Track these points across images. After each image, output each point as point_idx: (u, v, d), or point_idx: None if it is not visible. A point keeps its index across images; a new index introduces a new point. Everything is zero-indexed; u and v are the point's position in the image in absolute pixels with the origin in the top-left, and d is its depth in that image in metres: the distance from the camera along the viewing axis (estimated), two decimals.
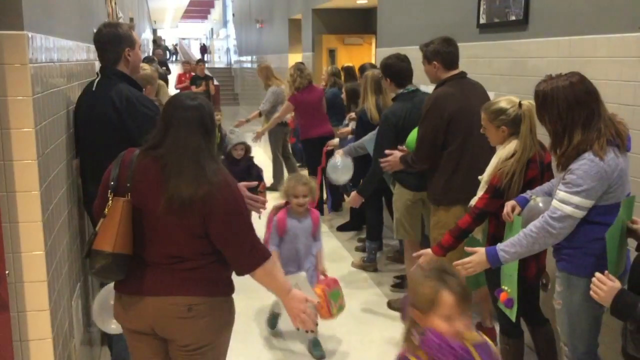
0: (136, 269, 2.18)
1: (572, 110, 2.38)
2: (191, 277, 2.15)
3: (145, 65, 3.72)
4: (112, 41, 2.99)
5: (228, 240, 2.13)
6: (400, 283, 4.68)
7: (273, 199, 4.34)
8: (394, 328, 4.12)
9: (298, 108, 6.58)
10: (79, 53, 3.41)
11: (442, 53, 3.58)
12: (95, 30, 3.12)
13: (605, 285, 2.12)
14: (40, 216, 2.22)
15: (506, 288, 2.95)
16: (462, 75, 3.65)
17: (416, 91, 4.13)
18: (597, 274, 2.16)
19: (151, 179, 2.13)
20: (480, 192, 2.97)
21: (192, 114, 2.15)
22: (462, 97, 3.50)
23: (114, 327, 2.47)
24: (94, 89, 2.96)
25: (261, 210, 2.75)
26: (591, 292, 2.16)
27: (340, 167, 4.79)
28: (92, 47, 3.91)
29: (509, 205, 2.78)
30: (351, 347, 3.90)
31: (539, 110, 2.49)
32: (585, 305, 2.42)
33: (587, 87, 2.41)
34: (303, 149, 7.10)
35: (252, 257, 2.17)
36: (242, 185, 2.79)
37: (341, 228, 6.33)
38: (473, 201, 3.00)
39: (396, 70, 4.10)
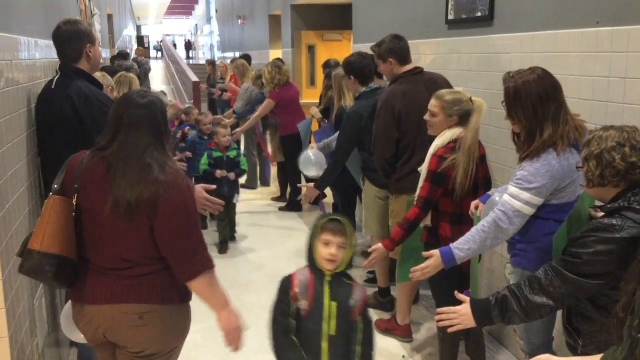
0: (86, 277, 2.14)
1: (544, 104, 2.38)
2: (142, 284, 2.09)
3: (97, 74, 3.70)
4: (73, 38, 2.97)
5: (171, 242, 2.06)
6: (373, 278, 4.70)
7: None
8: None
9: (278, 105, 6.58)
10: (43, 51, 3.38)
11: (396, 50, 3.72)
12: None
13: (455, 314, 2.17)
14: None
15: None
16: (417, 71, 3.74)
17: (378, 89, 4.20)
18: (438, 310, 2.23)
19: (98, 180, 2.08)
20: (421, 182, 3.03)
21: (142, 113, 2.11)
22: (412, 93, 3.62)
23: (81, 337, 2.43)
24: (53, 87, 2.94)
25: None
26: (450, 329, 2.19)
27: (313, 160, 4.76)
28: None
29: (473, 204, 2.86)
30: None
31: (512, 107, 2.43)
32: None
33: (553, 80, 2.42)
34: (282, 144, 7.09)
35: (193, 264, 2.08)
36: (200, 187, 2.81)
37: None
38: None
39: (360, 67, 4.18)
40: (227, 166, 5.39)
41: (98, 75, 3.75)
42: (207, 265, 2.11)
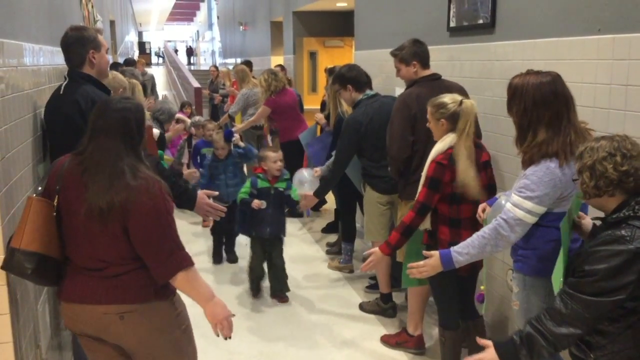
0: (70, 275, 2.22)
1: (537, 108, 2.42)
2: (119, 285, 2.15)
3: (113, 72, 3.75)
4: (77, 43, 3.00)
5: (144, 245, 2.12)
6: (374, 284, 4.71)
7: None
8: (366, 330, 4.15)
9: (275, 111, 6.60)
10: (48, 57, 3.40)
11: (419, 53, 3.73)
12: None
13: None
14: (0, 220, 2.22)
15: (482, 287, 3.14)
16: (435, 77, 3.73)
17: (376, 95, 4.24)
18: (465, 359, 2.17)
19: (74, 183, 2.16)
20: (420, 187, 3.05)
21: (114, 117, 2.17)
22: (426, 97, 3.56)
23: None
24: (61, 92, 2.97)
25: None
26: None
27: (307, 183, 4.67)
28: None
29: (480, 207, 2.88)
30: (323, 348, 3.91)
31: (509, 102, 2.54)
32: (541, 306, 2.45)
33: (555, 89, 2.43)
34: (282, 150, 7.09)
35: (169, 264, 2.13)
36: (203, 192, 2.87)
37: (326, 230, 6.34)
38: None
39: (353, 75, 4.23)
40: (274, 201, 4.35)
41: (112, 73, 3.77)
42: (182, 264, 2.15)
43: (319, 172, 4.77)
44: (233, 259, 5.53)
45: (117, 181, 2.09)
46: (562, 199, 2.43)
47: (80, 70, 3.01)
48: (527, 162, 2.48)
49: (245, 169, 6.26)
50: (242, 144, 5.37)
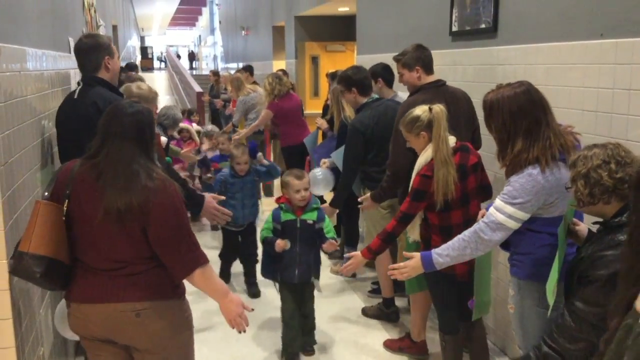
0: (81, 276, 2.23)
1: (515, 119, 2.43)
2: (135, 283, 2.18)
3: (143, 85, 3.73)
4: (92, 50, 3.07)
5: (164, 244, 2.16)
6: (377, 289, 4.70)
7: None
8: (368, 335, 4.14)
9: (278, 115, 6.61)
10: (51, 62, 3.41)
11: (423, 58, 3.68)
12: (73, 40, 3.17)
13: None
14: (3, 225, 2.22)
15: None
16: (439, 83, 3.69)
17: (379, 99, 4.22)
18: None
19: (88, 186, 2.17)
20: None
21: (128, 121, 2.19)
22: (435, 103, 3.54)
23: (72, 333, 2.48)
24: (75, 96, 3.02)
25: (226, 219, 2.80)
26: None
27: (320, 178, 4.64)
28: (66, 55, 3.94)
29: (480, 213, 2.90)
30: (325, 353, 3.91)
31: (486, 119, 2.55)
32: (535, 310, 2.46)
33: (531, 97, 2.45)
34: (283, 156, 7.11)
35: (187, 262, 2.19)
36: (211, 196, 2.91)
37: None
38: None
39: (359, 78, 4.20)
40: (302, 237, 3.61)
41: (142, 86, 3.75)
42: (199, 261, 2.21)
43: (327, 163, 4.74)
44: (254, 291, 4.81)
45: (134, 183, 2.11)
46: (550, 205, 2.43)
47: (95, 74, 3.07)
48: (509, 173, 2.50)
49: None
50: (265, 161, 4.90)
